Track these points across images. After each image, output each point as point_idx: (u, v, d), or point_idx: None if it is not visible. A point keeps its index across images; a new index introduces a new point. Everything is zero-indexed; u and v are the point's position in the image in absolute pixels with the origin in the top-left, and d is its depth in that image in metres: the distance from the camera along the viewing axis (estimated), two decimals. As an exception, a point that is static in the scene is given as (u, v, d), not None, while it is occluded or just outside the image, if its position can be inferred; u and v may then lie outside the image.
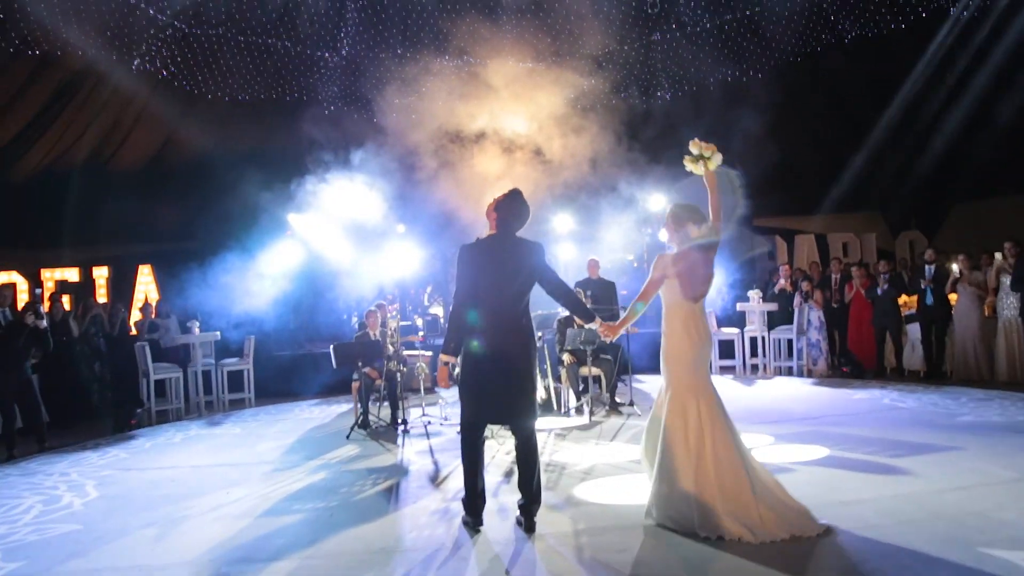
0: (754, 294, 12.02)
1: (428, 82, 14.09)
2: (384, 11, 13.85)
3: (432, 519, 4.94)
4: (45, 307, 9.71)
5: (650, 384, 11.06)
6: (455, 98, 13.24)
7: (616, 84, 14.76)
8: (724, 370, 12.03)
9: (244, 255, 12.62)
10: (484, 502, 4.71)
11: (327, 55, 14.38)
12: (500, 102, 13.30)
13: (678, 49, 14.69)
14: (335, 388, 11.30)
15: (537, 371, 4.74)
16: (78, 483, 6.47)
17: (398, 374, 8.68)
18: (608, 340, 5.18)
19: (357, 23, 14.01)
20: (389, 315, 9.54)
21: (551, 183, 12.50)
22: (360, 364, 8.56)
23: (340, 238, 13.19)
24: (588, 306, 5.18)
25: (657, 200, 13.64)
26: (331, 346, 8.54)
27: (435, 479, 6.03)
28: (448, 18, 13.94)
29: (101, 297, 13.70)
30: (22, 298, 13.41)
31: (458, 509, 5.11)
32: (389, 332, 9.12)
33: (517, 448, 4.67)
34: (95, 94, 13.01)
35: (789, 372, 11.55)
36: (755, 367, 11.96)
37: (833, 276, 12.17)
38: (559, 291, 4.85)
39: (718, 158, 4.90)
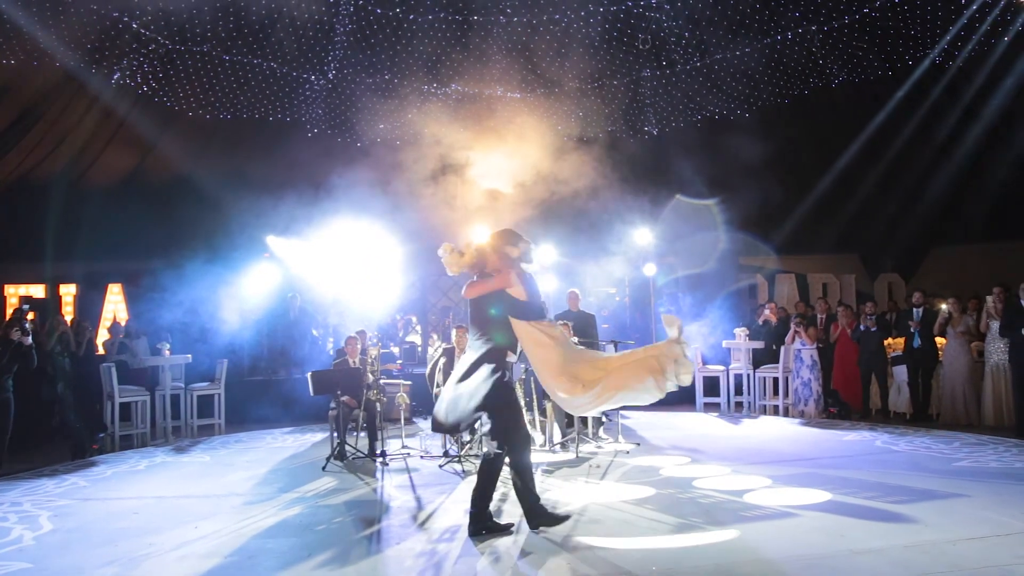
0: (740, 331, 11.87)
1: (413, 109, 13.96)
2: (374, 36, 13.69)
3: (418, 562, 4.58)
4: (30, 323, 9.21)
5: (636, 419, 10.78)
6: (440, 126, 13.10)
7: (604, 119, 14.74)
8: (709, 407, 11.80)
9: (219, 277, 12.23)
10: None
11: (313, 77, 14.18)
12: (485, 132, 13.18)
13: (668, 87, 14.71)
14: (309, 416, 10.90)
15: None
16: (31, 515, 5.99)
17: (377, 404, 8.34)
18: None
19: (345, 47, 13.83)
20: (369, 342, 9.21)
21: (534, 214, 12.35)
22: (339, 392, 8.21)
23: (319, 263, 12.87)
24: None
25: (642, 234, 13.54)
26: (308, 373, 8.18)
27: (417, 517, 5.67)
28: (438, 46, 13.83)
29: (67, 315, 13.16)
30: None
31: (446, 551, 4.79)
32: (369, 360, 8.78)
33: None
34: (72, 107, 12.63)
35: (775, 411, 11.35)
36: (739, 405, 11.75)
37: (819, 316, 12.07)
38: None
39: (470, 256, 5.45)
